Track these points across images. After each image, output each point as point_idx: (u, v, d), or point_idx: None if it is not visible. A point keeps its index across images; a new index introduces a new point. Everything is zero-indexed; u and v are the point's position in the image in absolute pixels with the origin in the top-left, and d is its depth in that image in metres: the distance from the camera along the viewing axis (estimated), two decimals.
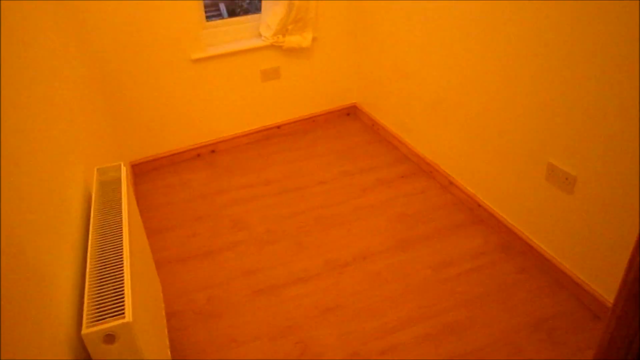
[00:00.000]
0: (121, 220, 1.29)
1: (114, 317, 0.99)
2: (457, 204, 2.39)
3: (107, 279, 1.11)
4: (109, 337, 0.98)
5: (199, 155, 2.98)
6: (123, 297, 1.04)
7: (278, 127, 3.13)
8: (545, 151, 1.83)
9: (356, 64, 3.14)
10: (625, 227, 1.60)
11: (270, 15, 2.80)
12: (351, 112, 3.33)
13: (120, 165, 1.52)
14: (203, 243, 2.26)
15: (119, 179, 1.49)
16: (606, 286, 1.75)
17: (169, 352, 1.54)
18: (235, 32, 2.86)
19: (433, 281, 1.98)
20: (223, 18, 2.95)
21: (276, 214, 2.41)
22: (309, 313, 1.87)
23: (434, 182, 2.56)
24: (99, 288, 1.08)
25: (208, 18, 2.78)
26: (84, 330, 0.95)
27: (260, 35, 2.90)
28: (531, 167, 1.92)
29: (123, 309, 1.01)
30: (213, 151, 3.01)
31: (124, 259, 1.14)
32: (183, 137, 2.91)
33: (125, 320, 0.98)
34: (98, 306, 1.04)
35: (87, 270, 1.11)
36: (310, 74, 3.07)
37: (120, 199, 1.38)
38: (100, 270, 1.13)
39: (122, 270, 1.11)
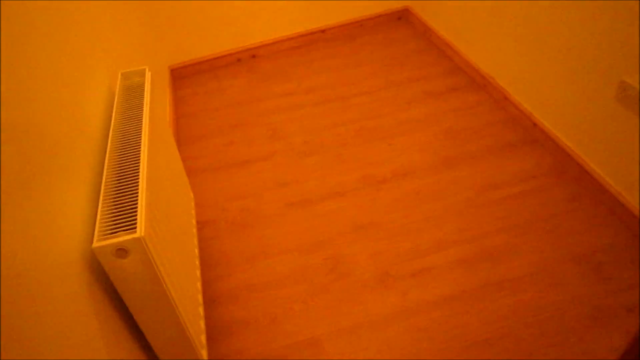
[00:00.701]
0: (141, 129, 1.22)
1: (126, 232, 0.95)
2: (510, 122, 2.20)
3: (123, 191, 1.07)
4: (121, 252, 0.95)
5: (239, 60, 2.86)
6: (136, 211, 1.00)
7: (322, 31, 2.94)
8: (617, 66, 1.60)
9: None
10: None
11: None
12: (402, 17, 3.07)
13: (144, 69, 1.44)
14: (239, 152, 2.21)
15: (144, 84, 1.41)
16: None
17: (198, 262, 1.54)
18: None
19: (476, 204, 1.86)
20: None
21: (315, 125, 2.31)
22: (342, 229, 1.82)
23: (487, 96, 2.36)
24: (115, 200, 1.05)
25: None
26: (95, 244, 0.92)
27: None
28: (600, 84, 1.70)
29: (136, 223, 0.97)
30: (254, 56, 2.88)
31: (140, 170, 1.09)
32: (223, 40, 2.78)
33: (136, 235, 0.94)
34: (114, 219, 1.00)
35: (103, 181, 1.07)
36: None
37: (143, 105, 1.32)
38: (119, 181, 1.09)
39: (138, 182, 1.07)
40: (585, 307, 1.52)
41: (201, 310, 1.42)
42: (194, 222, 1.69)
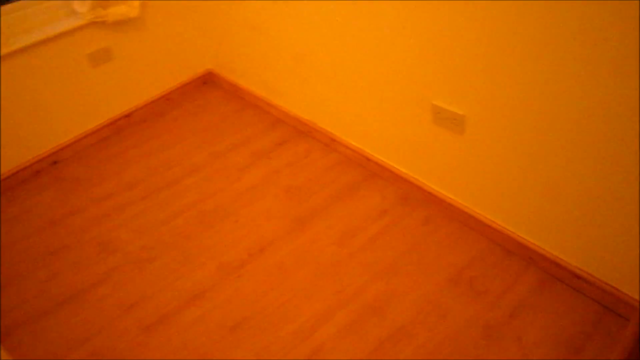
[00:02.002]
0: None
1: None
2: (345, 162, 2.20)
3: None
4: None
5: (38, 171, 2.46)
6: None
7: (127, 116, 2.69)
8: (427, 94, 1.67)
9: (203, 24, 2.74)
10: (521, 160, 1.50)
11: None
12: (208, 80, 2.96)
13: None
14: (66, 283, 1.86)
15: None
16: (511, 219, 1.68)
17: None
18: (41, 14, 2.31)
19: (341, 258, 1.79)
20: None
21: (149, 223, 2.06)
22: (215, 336, 1.61)
23: (316, 142, 2.34)
24: None
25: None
26: None
27: (75, 12, 2.38)
28: (416, 110, 1.76)
29: None
30: (55, 162, 2.51)
31: None
32: (13, 153, 2.37)
33: None
34: None
35: None
36: (149, 46, 2.63)
37: None
38: None
39: None
40: (476, 329, 1.53)
41: None
42: None
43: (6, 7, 2.19)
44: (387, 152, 2.01)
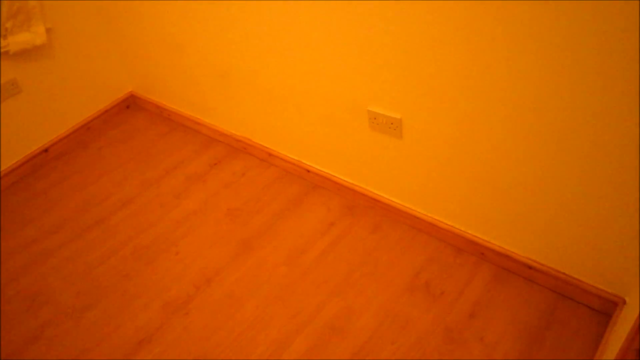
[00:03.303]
0: None
1: None
2: (284, 177, 2.13)
3: None
4: None
5: None
6: None
7: (45, 150, 2.49)
8: (361, 100, 1.62)
9: (118, 45, 2.58)
10: (461, 158, 1.49)
11: None
12: (131, 104, 2.80)
13: None
14: None
15: None
16: (458, 218, 1.67)
17: None
18: None
19: (293, 279, 1.72)
20: None
21: (82, 267, 1.90)
22: None
23: (252, 158, 2.25)
24: None
25: None
26: None
27: None
28: (352, 117, 1.71)
29: None
30: None
31: None
32: None
33: None
34: None
35: None
36: (62, 74, 2.45)
37: None
38: None
39: None
40: (438, 334, 1.50)
41: None
42: None
43: None
44: (327, 161, 1.95)
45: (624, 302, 1.40)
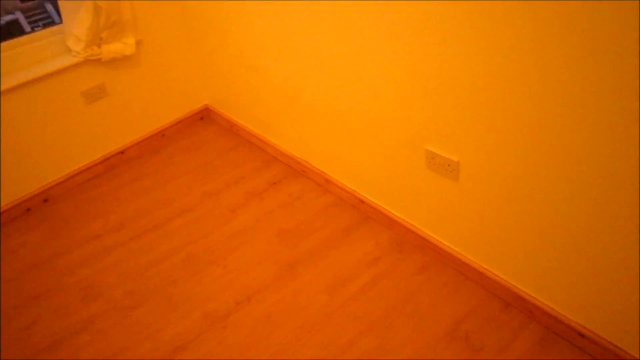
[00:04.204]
0: None
1: None
2: (339, 204, 2.13)
3: None
4: None
5: (28, 209, 2.42)
6: None
7: (121, 152, 2.65)
8: (421, 138, 1.61)
9: (199, 60, 2.73)
10: (519, 208, 1.42)
11: (76, 24, 2.28)
12: (205, 116, 2.93)
13: None
14: (47, 332, 1.79)
15: None
16: (509, 270, 1.59)
17: None
18: (39, 51, 2.30)
19: (331, 309, 1.71)
20: (55, 23, 2.38)
21: (135, 267, 1.99)
22: None
23: (310, 182, 2.28)
24: None
25: (35, 23, 2.18)
26: None
27: (69, 50, 2.37)
28: (409, 154, 1.69)
29: None
30: (46, 200, 2.46)
31: None
32: (5, 190, 2.33)
33: None
34: None
35: None
36: (145, 83, 2.61)
37: None
38: None
39: None
40: None
41: None
42: None
43: (3, 45, 2.18)
44: (381, 195, 1.94)
45: None
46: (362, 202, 2.04)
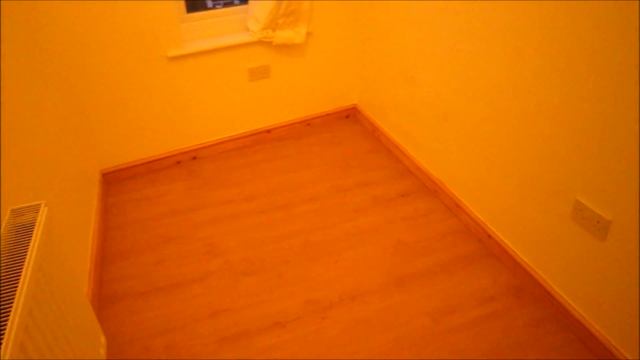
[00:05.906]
0: (18, 282, 0.99)
1: None
2: (464, 232, 2.06)
3: None
4: None
5: (179, 162, 2.68)
6: None
7: (268, 131, 2.82)
8: (572, 185, 1.50)
9: (356, 61, 2.80)
10: None
11: (259, 7, 2.47)
12: (351, 115, 3.01)
13: (39, 205, 1.23)
14: (169, 272, 1.97)
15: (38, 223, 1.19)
16: (635, 348, 1.42)
17: None
18: (220, 26, 2.54)
19: (431, 333, 1.67)
20: (233, 4, 2.63)
21: (256, 238, 2.11)
22: None
23: (439, 203, 2.24)
24: None
25: (216, 1, 2.43)
26: None
27: (248, 29, 2.57)
28: (554, 201, 1.59)
29: None
30: (195, 158, 2.71)
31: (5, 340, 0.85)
32: (162, 142, 2.62)
33: None
34: None
35: None
36: (304, 73, 2.75)
37: (28, 252, 1.09)
38: None
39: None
40: None
41: None
42: None
43: (198, 14, 2.44)
44: (512, 234, 1.84)
45: None
46: (489, 236, 1.95)
